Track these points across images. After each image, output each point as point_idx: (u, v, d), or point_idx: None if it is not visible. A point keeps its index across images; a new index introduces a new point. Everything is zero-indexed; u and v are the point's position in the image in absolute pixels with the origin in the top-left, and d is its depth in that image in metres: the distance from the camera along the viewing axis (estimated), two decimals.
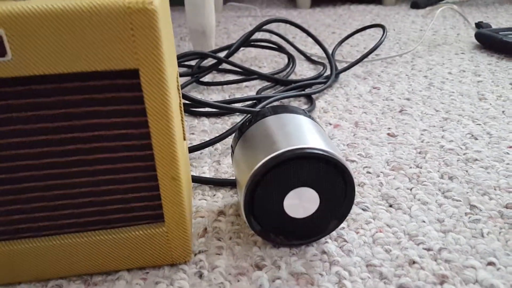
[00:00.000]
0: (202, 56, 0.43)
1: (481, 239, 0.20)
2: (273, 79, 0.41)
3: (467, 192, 0.24)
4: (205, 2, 0.49)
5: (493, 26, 0.63)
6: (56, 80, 0.15)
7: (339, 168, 0.18)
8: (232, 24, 0.70)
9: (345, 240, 0.20)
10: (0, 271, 0.18)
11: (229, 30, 0.66)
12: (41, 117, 0.15)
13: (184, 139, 0.22)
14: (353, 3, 0.87)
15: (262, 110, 0.22)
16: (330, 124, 0.33)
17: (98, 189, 0.17)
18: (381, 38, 0.45)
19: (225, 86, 0.42)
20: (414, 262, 0.19)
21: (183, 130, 0.21)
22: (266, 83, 0.42)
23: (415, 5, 0.81)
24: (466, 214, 0.22)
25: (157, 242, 0.18)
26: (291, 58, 0.47)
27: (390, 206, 0.23)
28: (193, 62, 0.49)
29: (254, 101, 0.36)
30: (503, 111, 0.34)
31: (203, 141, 0.29)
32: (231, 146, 0.23)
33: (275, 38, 0.61)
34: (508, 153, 0.28)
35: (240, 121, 0.31)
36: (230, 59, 0.51)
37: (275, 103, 0.36)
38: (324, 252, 0.19)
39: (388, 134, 0.31)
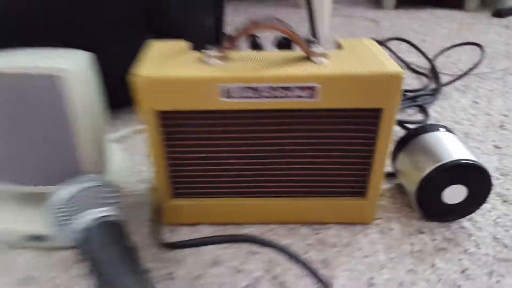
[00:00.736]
0: None
1: None
2: None
3: None
4: (324, 13, 0.58)
5: None
6: (337, 111, 0.25)
7: (480, 171, 0.28)
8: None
9: (476, 221, 0.30)
10: (254, 213, 0.29)
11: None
12: (312, 130, 0.26)
13: None
14: (435, 6, 0.91)
15: (419, 128, 0.32)
16: None
17: (331, 172, 0.28)
18: (480, 58, 0.52)
19: None
20: None
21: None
22: None
23: (497, 14, 0.85)
24: None
25: (356, 210, 0.29)
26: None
27: (504, 201, 0.32)
28: None
29: None
30: None
31: None
32: (393, 152, 0.33)
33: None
34: None
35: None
36: None
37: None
38: (462, 227, 0.29)
39: (494, 146, 0.39)
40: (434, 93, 0.48)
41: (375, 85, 0.24)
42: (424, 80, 0.54)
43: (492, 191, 0.33)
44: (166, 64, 0.25)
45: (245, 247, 0.28)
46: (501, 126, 0.43)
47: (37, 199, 0.30)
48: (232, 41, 0.25)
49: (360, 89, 0.24)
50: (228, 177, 0.28)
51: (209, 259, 0.27)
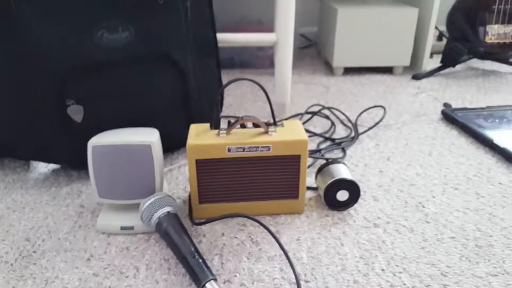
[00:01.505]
0: None
1: None
2: (325, 137, 0.79)
3: None
4: (287, 82, 0.88)
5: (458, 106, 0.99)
6: (281, 156, 0.53)
7: (354, 183, 0.56)
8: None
9: (355, 209, 0.57)
10: (242, 210, 0.56)
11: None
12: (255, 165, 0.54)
13: None
14: (373, 72, 1.24)
15: (328, 161, 0.60)
16: (354, 164, 0.70)
17: (280, 187, 0.55)
18: (383, 116, 0.82)
19: None
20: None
21: None
22: (321, 139, 0.80)
23: (415, 77, 1.18)
24: None
25: (293, 205, 0.56)
26: (333, 124, 0.85)
27: (375, 200, 0.60)
28: None
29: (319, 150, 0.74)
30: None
31: None
32: (315, 174, 0.60)
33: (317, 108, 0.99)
34: None
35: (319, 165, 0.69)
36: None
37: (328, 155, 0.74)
38: (348, 212, 0.57)
39: (379, 171, 0.68)
40: (353, 139, 0.78)
41: (296, 144, 0.52)
42: (349, 130, 0.84)
43: (369, 194, 0.61)
44: (200, 137, 0.53)
45: (236, 225, 0.55)
46: (388, 159, 0.72)
47: (128, 206, 0.56)
48: (232, 125, 0.53)
49: (290, 146, 0.52)
50: (229, 191, 0.55)
51: (218, 232, 0.54)
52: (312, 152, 0.74)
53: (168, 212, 0.50)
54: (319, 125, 0.87)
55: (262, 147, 0.52)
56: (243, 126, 0.56)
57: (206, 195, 0.55)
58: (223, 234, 0.54)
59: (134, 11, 0.60)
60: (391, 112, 0.94)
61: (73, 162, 0.65)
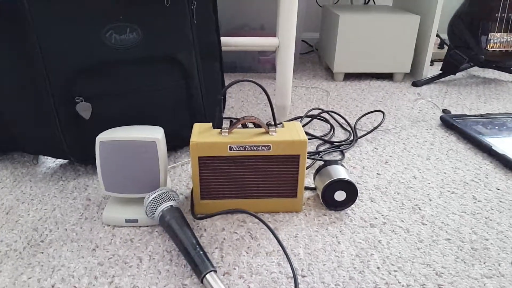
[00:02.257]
0: None
1: None
2: (324, 140, 0.80)
3: None
4: (288, 86, 0.90)
5: (457, 112, 1.01)
6: (280, 155, 0.55)
7: (351, 184, 0.57)
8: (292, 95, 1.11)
9: (353, 209, 0.59)
10: (242, 206, 0.58)
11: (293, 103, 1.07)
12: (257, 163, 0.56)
13: None
14: (373, 78, 1.26)
15: (326, 162, 0.62)
16: (352, 166, 0.72)
17: (280, 185, 0.57)
18: (382, 120, 0.84)
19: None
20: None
21: None
22: (320, 141, 0.82)
23: (414, 84, 1.20)
24: None
25: (292, 204, 0.58)
26: (332, 127, 0.87)
27: (372, 201, 0.62)
28: None
29: (317, 152, 0.76)
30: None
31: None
32: (314, 175, 0.62)
33: (316, 111, 1.01)
34: None
35: (317, 166, 0.71)
36: None
37: (327, 156, 0.76)
38: (346, 212, 0.58)
39: (377, 173, 0.70)
40: (351, 143, 0.79)
41: (295, 144, 0.54)
42: (348, 134, 0.86)
43: (366, 195, 0.63)
44: (203, 135, 0.55)
45: (236, 221, 0.56)
46: (386, 163, 0.74)
47: (133, 200, 0.58)
48: (233, 125, 0.55)
49: (289, 146, 0.54)
50: (230, 189, 0.57)
51: (219, 227, 0.56)
52: (311, 154, 0.76)
53: (171, 206, 0.51)
54: (318, 128, 0.89)
55: (262, 146, 0.54)
56: (244, 126, 0.58)
57: (208, 192, 0.57)
58: (223, 229, 0.55)
59: (142, 12, 0.63)
60: (390, 117, 0.96)
61: (80, 157, 0.67)
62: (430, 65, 1.42)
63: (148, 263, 0.49)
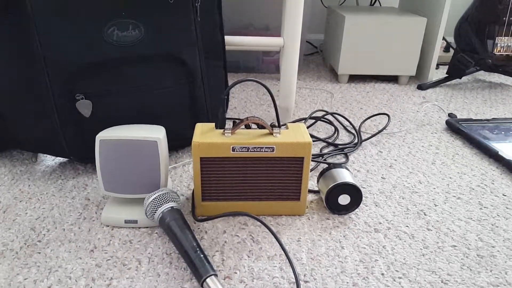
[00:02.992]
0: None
1: None
2: (328, 142, 0.79)
3: None
4: (292, 87, 0.89)
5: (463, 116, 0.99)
6: (284, 157, 0.54)
7: (356, 188, 0.56)
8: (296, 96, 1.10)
9: (357, 214, 0.58)
10: (244, 209, 0.57)
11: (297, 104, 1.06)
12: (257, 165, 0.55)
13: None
14: (378, 81, 1.25)
15: (331, 165, 0.61)
16: (356, 170, 0.71)
17: (283, 188, 0.56)
18: (387, 123, 0.82)
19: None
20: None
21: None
22: (323, 144, 0.81)
23: (420, 87, 1.18)
24: None
25: (295, 207, 0.57)
26: (336, 129, 0.85)
27: (376, 206, 0.60)
28: None
29: (321, 154, 0.74)
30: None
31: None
32: (317, 178, 0.61)
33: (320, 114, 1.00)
34: None
35: (320, 169, 0.70)
36: None
37: (331, 159, 0.75)
38: (349, 217, 0.57)
39: (381, 177, 0.68)
40: (356, 146, 0.78)
41: (300, 146, 0.53)
42: (352, 137, 0.84)
43: (371, 200, 0.62)
44: (205, 135, 0.54)
45: (238, 224, 0.55)
46: (390, 166, 0.72)
47: (133, 200, 0.57)
48: (237, 125, 0.54)
49: (293, 148, 0.53)
50: (232, 190, 0.56)
51: (220, 230, 0.54)
52: (315, 157, 0.74)
53: (172, 207, 0.50)
54: (322, 130, 0.88)
55: (266, 147, 0.53)
56: (247, 127, 0.57)
57: (209, 193, 0.56)
58: (224, 232, 0.54)
59: (145, 9, 0.61)
60: (395, 121, 0.94)
61: (80, 156, 0.66)
62: (436, 68, 1.41)
63: (147, 265, 0.48)
